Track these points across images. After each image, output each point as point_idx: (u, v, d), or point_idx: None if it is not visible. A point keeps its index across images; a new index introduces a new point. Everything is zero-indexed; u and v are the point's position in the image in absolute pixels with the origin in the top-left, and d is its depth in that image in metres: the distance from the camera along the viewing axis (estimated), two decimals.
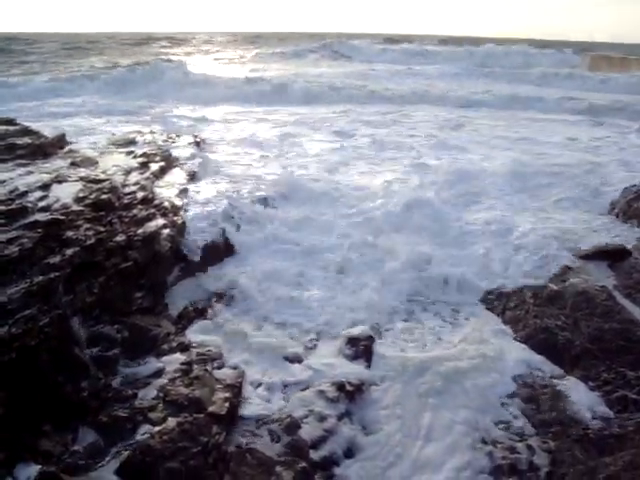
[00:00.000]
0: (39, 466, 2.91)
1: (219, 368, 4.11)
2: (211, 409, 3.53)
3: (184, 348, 4.33)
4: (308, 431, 3.63)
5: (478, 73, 28.79)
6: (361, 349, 4.50)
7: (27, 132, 6.65)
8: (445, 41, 54.63)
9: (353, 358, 4.43)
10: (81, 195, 4.96)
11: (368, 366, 4.34)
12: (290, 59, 36.60)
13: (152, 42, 52.24)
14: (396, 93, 20.57)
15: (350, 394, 3.97)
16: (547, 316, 5.01)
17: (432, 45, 44.73)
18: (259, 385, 4.08)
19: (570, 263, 5.90)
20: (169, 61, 25.93)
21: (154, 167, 7.00)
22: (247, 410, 3.81)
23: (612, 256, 5.99)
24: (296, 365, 4.36)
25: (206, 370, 3.99)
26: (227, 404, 3.61)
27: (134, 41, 52.32)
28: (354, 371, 4.23)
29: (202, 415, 3.45)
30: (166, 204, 5.97)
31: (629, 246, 6.16)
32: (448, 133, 13.63)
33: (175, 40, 56.14)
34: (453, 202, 7.93)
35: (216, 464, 3.20)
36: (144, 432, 3.34)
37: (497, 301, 5.44)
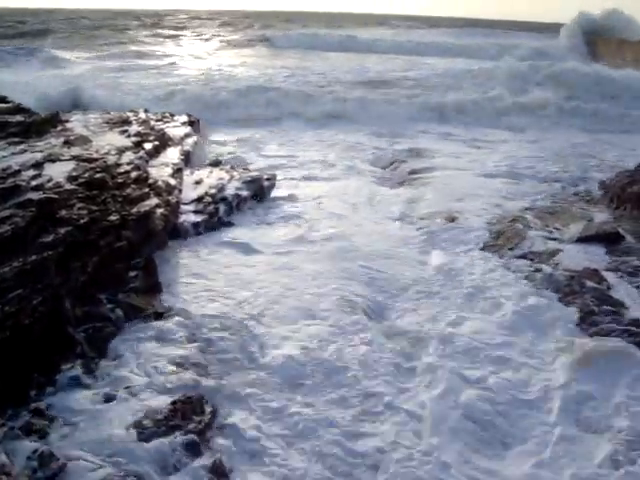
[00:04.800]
0: (33, 444, 2.93)
1: None
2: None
3: None
4: None
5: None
6: None
7: (19, 110, 6.54)
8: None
9: None
10: (74, 174, 4.92)
11: None
12: None
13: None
14: None
15: None
16: None
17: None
18: None
19: (562, 246, 5.92)
20: None
21: (148, 146, 6.95)
22: None
23: (605, 240, 6.01)
24: None
25: None
26: None
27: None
28: None
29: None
30: (160, 183, 5.94)
31: (622, 230, 6.18)
32: None
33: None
34: None
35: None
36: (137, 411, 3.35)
37: None
